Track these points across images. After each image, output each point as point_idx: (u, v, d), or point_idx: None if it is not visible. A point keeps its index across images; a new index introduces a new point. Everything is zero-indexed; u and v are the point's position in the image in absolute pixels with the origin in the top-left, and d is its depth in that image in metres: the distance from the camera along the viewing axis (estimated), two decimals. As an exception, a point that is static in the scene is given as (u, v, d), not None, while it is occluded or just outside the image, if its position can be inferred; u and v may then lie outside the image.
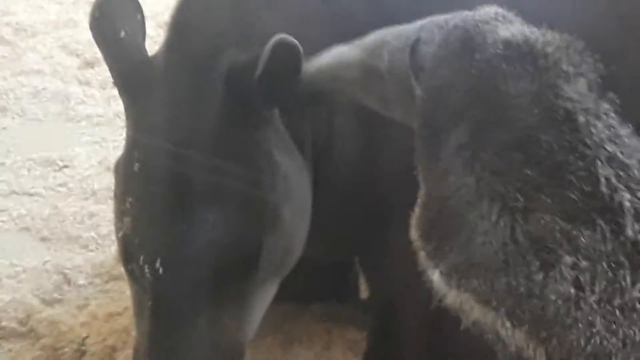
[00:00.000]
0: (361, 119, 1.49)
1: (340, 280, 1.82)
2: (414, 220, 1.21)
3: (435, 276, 1.15)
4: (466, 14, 1.25)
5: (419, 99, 1.24)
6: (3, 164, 2.17)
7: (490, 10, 1.24)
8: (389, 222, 1.56)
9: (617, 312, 1.04)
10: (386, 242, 1.60)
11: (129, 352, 1.58)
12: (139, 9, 1.53)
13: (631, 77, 1.35)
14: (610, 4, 1.60)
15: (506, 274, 1.09)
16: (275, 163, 1.46)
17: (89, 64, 2.16)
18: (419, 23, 1.29)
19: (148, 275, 1.42)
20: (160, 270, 1.41)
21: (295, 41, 1.37)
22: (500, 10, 1.24)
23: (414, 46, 1.24)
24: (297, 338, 1.71)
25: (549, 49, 1.18)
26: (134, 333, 1.55)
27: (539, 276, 1.06)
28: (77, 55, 2.32)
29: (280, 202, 1.46)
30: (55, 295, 1.87)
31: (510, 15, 1.24)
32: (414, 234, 1.20)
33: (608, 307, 1.03)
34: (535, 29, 1.21)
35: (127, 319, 1.70)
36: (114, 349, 1.76)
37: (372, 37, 1.35)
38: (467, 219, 1.13)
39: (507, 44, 1.19)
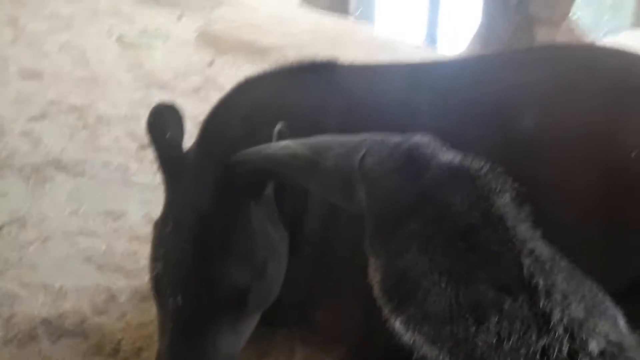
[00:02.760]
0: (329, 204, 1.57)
1: (301, 312, 1.91)
2: (377, 284, 1.30)
3: (396, 323, 1.26)
4: (404, 136, 1.39)
5: (366, 197, 1.36)
6: (76, 212, 2.37)
7: (424, 137, 1.38)
8: (340, 282, 1.71)
9: (522, 358, 1.15)
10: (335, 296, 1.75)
11: (153, 352, 1.71)
12: (181, 116, 1.70)
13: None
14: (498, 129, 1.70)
15: (450, 324, 1.20)
16: (265, 230, 1.65)
17: (144, 147, 2.36)
18: (359, 137, 1.42)
19: (171, 304, 1.61)
20: (180, 302, 1.60)
21: None
22: (432, 138, 1.38)
23: (363, 156, 1.36)
24: (267, 352, 1.87)
25: (481, 171, 1.31)
26: (157, 341, 1.67)
27: (473, 328, 1.17)
28: (136, 140, 2.58)
29: (267, 258, 1.65)
30: (103, 307, 2.05)
31: (439, 143, 1.38)
32: (378, 293, 1.29)
33: (517, 353, 1.15)
34: (465, 156, 1.34)
35: (153, 328, 1.84)
36: (141, 349, 1.92)
37: (316, 140, 1.47)
38: (422, 285, 1.23)
39: (449, 165, 1.32)
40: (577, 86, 1.71)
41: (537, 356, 1.14)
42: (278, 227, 1.68)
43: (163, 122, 1.68)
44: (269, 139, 1.54)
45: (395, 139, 1.39)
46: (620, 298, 1.27)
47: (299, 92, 1.78)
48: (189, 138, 1.74)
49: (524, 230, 1.27)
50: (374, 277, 1.29)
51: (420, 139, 1.37)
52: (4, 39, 3.15)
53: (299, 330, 1.87)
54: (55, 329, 1.97)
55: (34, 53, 3.10)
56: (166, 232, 1.67)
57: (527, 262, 1.21)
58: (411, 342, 1.23)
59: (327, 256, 1.72)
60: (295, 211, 1.72)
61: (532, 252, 1.23)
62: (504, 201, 1.29)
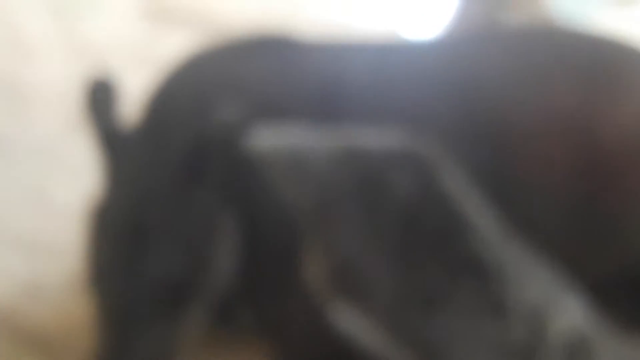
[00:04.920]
0: None
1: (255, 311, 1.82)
2: (318, 276, 1.29)
3: (341, 315, 1.25)
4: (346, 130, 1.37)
5: (307, 193, 1.34)
6: None
7: (365, 130, 1.37)
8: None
9: (475, 345, 1.16)
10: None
11: (85, 345, 1.72)
12: (119, 93, 1.67)
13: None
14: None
15: (398, 311, 1.21)
16: (215, 222, 1.62)
17: (78, 124, 2.07)
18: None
19: (107, 296, 1.61)
20: (116, 293, 1.59)
21: None
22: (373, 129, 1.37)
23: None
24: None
25: (428, 153, 1.29)
26: (90, 334, 1.67)
27: (422, 314, 1.19)
28: (69, 116, 2.26)
29: (216, 250, 1.61)
30: (30, 295, 1.96)
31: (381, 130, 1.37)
32: (320, 285, 1.29)
33: (470, 340, 1.16)
34: (411, 137, 1.32)
35: (86, 320, 1.76)
36: (72, 341, 1.86)
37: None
38: (367, 271, 1.23)
39: (389, 148, 1.30)
40: (552, 66, 1.73)
41: (492, 343, 1.15)
42: (229, 216, 1.67)
43: (100, 96, 1.66)
44: (222, 119, 1.53)
45: (341, 132, 1.37)
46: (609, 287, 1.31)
47: (250, 72, 1.75)
48: (129, 117, 1.70)
49: (473, 211, 1.26)
50: (313, 268, 1.29)
51: (362, 130, 1.36)
52: None
53: (243, 329, 1.86)
54: None
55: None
56: (104, 218, 1.66)
57: (476, 243, 1.22)
58: (354, 333, 1.22)
59: (278, 250, 1.68)
60: (250, 201, 1.68)
61: (481, 232, 1.23)
62: (451, 181, 1.28)
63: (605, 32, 1.88)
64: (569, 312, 1.21)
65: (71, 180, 2.31)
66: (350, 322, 1.24)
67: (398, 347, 1.20)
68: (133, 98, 1.78)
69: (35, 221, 2.22)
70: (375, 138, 1.35)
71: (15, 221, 2.21)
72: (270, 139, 1.37)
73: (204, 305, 1.65)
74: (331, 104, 1.63)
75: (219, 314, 1.70)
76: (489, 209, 1.28)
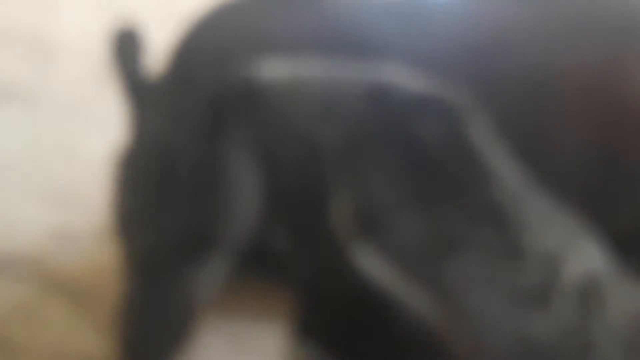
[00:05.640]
0: None
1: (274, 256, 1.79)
2: (344, 216, 1.32)
3: (362, 254, 1.27)
4: (371, 65, 1.42)
5: (333, 128, 1.36)
6: (30, 145, 2.35)
7: (392, 66, 1.40)
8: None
9: (494, 289, 1.18)
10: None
11: (113, 292, 1.79)
12: (144, 44, 1.67)
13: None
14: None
15: (419, 254, 1.23)
16: (239, 170, 1.59)
17: (106, 76, 2.29)
18: (334, 69, 1.44)
19: (135, 244, 1.62)
20: (145, 242, 1.60)
21: None
22: (401, 68, 1.40)
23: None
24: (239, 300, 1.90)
25: (453, 102, 1.32)
26: (119, 281, 1.74)
27: (442, 257, 1.21)
28: (98, 69, 2.43)
29: (239, 198, 1.58)
30: (60, 246, 1.97)
31: (409, 73, 1.39)
32: (342, 224, 1.32)
33: (488, 284, 1.18)
34: (437, 86, 1.34)
35: (114, 268, 1.86)
36: (101, 289, 1.87)
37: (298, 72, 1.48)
38: (391, 214, 1.25)
39: (418, 94, 1.32)
40: (576, 25, 1.75)
41: (507, 287, 1.18)
42: (251, 164, 1.67)
43: (125, 46, 1.69)
44: (245, 71, 1.53)
45: (365, 67, 1.40)
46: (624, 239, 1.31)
47: (275, 20, 1.76)
48: (153, 68, 1.74)
49: (496, 161, 1.28)
50: (340, 209, 1.31)
51: (389, 68, 1.39)
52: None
53: (271, 273, 1.89)
54: (6, 266, 1.95)
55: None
56: (131, 167, 1.67)
57: (497, 192, 1.24)
58: (377, 274, 1.25)
59: (302, 195, 1.66)
60: (272, 147, 1.67)
61: (503, 182, 1.26)
62: (476, 132, 1.30)
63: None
64: (584, 258, 1.23)
65: (98, 132, 2.33)
66: (372, 262, 1.25)
67: (417, 288, 1.23)
68: (157, 50, 1.83)
69: (64, 172, 2.25)
70: (405, 78, 1.37)
71: (44, 172, 2.24)
72: (279, 68, 1.40)
73: (227, 253, 1.66)
74: (357, 54, 1.63)
75: (244, 260, 1.73)
76: (512, 159, 1.31)
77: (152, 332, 1.67)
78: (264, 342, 1.86)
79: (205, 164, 1.64)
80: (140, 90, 1.71)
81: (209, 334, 1.79)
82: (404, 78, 1.37)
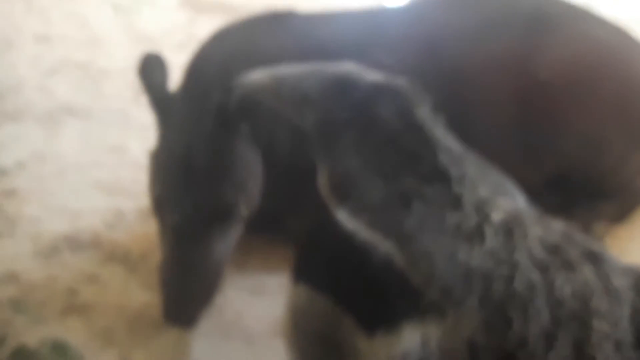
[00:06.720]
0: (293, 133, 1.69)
1: (275, 219, 2.05)
2: (324, 186, 1.39)
3: (341, 215, 1.35)
4: (336, 64, 1.49)
5: (310, 115, 1.43)
6: (86, 149, 2.54)
7: (352, 64, 1.48)
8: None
9: (440, 232, 1.24)
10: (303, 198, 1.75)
11: (156, 258, 1.89)
12: (166, 64, 1.90)
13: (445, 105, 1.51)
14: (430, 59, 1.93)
15: (383, 211, 1.30)
16: (244, 156, 1.87)
17: (139, 94, 2.14)
18: (305, 67, 1.51)
19: (170, 220, 1.80)
20: (177, 218, 1.79)
21: None
22: (358, 64, 1.48)
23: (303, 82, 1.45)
24: (248, 253, 2.04)
25: (403, 88, 1.41)
26: (160, 249, 1.84)
27: (401, 212, 1.28)
28: (133, 88, 2.56)
29: (247, 177, 1.86)
30: (113, 224, 2.21)
31: (366, 67, 1.47)
32: (325, 193, 1.38)
33: (436, 229, 1.24)
34: (389, 76, 1.43)
35: (156, 239, 1.93)
36: (146, 256, 2.08)
37: (277, 71, 1.55)
38: (359, 182, 1.33)
39: (375, 84, 1.42)
40: (498, 21, 1.98)
41: (451, 230, 1.26)
42: (253, 151, 1.93)
43: (151, 69, 1.89)
44: (239, 80, 1.69)
45: (329, 66, 1.51)
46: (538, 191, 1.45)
47: (261, 40, 2.00)
48: (175, 84, 1.96)
49: (439, 133, 1.39)
50: (322, 180, 1.40)
51: (348, 65, 1.49)
52: (17, 11, 3.36)
53: (274, 234, 2.06)
54: (74, 243, 2.18)
55: (44, 21, 3.31)
56: (161, 160, 1.90)
57: (442, 157, 1.34)
58: (353, 229, 1.33)
59: (294, 171, 1.88)
60: (268, 136, 1.94)
61: (446, 149, 1.36)
62: (423, 111, 1.40)
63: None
64: (509, 203, 1.33)
65: (137, 136, 2.58)
66: (351, 221, 1.33)
67: (384, 238, 1.29)
68: (177, 70, 2.02)
69: (114, 169, 2.50)
70: (363, 72, 1.45)
71: (99, 170, 2.50)
72: (262, 75, 1.48)
73: (241, 220, 1.90)
74: (324, 56, 1.74)
75: (252, 225, 1.92)
76: (450, 131, 1.42)
77: (189, 286, 1.83)
78: (272, 285, 1.98)
79: (220, 153, 1.85)
80: (165, 101, 1.93)
81: (230, 283, 1.91)
82: (363, 72, 1.46)
